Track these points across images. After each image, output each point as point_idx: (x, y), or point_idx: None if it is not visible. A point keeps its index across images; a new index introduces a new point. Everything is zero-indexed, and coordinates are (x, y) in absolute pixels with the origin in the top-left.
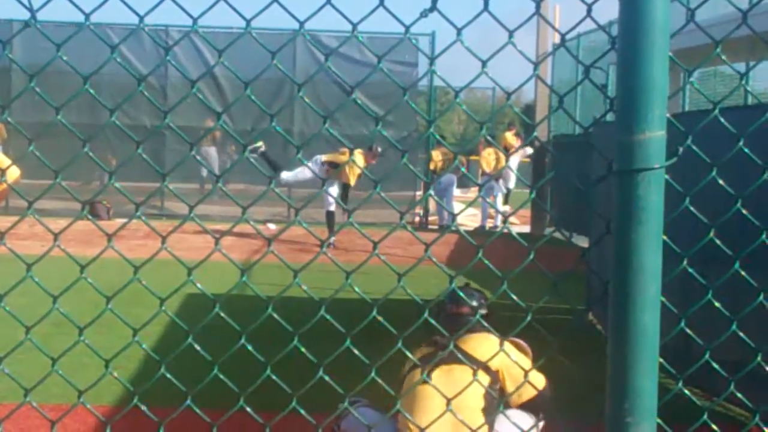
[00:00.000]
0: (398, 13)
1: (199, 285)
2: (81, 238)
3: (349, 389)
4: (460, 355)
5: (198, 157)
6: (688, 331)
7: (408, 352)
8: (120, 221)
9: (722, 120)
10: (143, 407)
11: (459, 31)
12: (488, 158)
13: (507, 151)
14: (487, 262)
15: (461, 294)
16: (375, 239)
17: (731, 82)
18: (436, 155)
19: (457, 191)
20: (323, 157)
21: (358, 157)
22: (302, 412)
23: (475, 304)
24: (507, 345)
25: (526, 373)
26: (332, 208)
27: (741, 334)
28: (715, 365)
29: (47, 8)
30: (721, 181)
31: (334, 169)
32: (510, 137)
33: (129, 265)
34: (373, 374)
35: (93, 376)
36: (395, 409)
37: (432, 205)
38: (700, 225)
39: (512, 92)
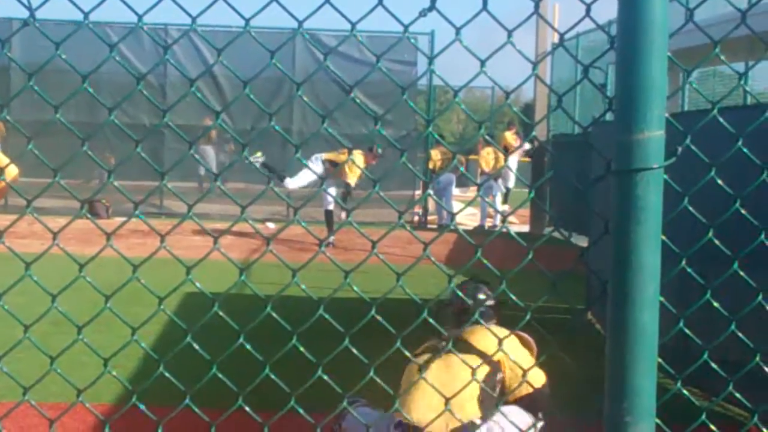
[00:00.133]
0: (397, 13)
1: (197, 284)
2: (80, 237)
3: (347, 389)
4: (463, 346)
5: (197, 156)
6: (687, 331)
7: (407, 351)
8: (119, 220)
9: (721, 120)
10: (142, 406)
11: (458, 30)
12: (487, 157)
13: (506, 150)
14: (486, 261)
15: (472, 287)
16: (374, 238)
17: (730, 81)
18: (435, 154)
19: (456, 190)
20: (323, 155)
21: (358, 157)
22: (301, 411)
23: (482, 297)
24: (512, 338)
25: (525, 372)
26: (331, 207)
27: (740, 334)
28: (713, 365)
29: (46, 7)
30: (720, 181)
31: (334, 168)
32: (509, 137)
33: (128, 263)
34: (371, 374)
35: (92, 375)
36: (394, 408)
37: (431, 205)
38: (698, 225)
39: (511, 92)
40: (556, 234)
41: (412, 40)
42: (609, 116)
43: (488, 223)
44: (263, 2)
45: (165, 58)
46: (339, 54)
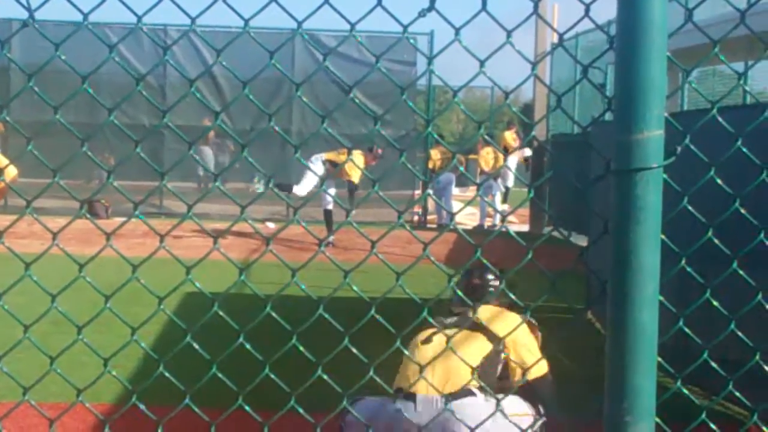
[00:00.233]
0: (396, 13)
1: (197, 284)
2: (80, 237)
3: (347, 388)
4: (471, 324)
5: (196, 157)
6: (687, 330)
7: (406, 351)
8: (119, 220)
9: (720, 120)
10: (142, 406)
11: (457, 30)
12: (487, 157)
13: (506, 150)
14: (485, 261)
15: (481, 268)
16: (374, 238)
17: (730, 81)
18: (435, 154)
19: (455, 190)
20: (324, 156)
21: (359, 157)
22: (300, 411)
23: (490, 277)
24: (521, 322)
25: (526, 370)
26: (330, 206)
27: (739, 333)
28: (713, 364)
29: (46, 7)
30: (719, 181)
31: (335, 168)
32: (509, 137)
33: (127, 263)
34: (371, 373)
35: (92, 375)
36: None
37: (431, 204)
38: (698, 224)
39: (510, 92)
40: (555, 233)
41: (412, 41)
42: (608, 116)
43: (488, 222)
44: (262, 3)
45: (164, 59)
46: (338, 54)
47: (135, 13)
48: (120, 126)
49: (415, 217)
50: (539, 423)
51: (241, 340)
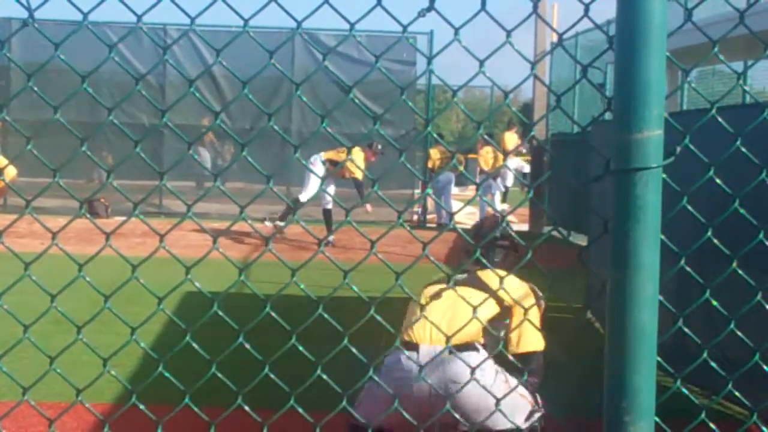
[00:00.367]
0: (396, 12)
1: (197, 283)
2: (80, 236)
3: (347, 387)
4: (478, 284)
5: (196, 157)
6: (686, 329)
7: (406, 352)
8: (118, 219)
9: (720, 119)
10: (141, 406)
11: (457, 30)
12: (486, 157)
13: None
14: (485, 261)
15: (491, 221)
16: (373, 238)
17: (729, 80)
18: (434, 153)
19: (455, 189)
20: (323, 156)
21: (358, 154)
22: (300, 410)
23: (498, 233)
24: (528, 291)
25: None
26: (330, 206)
27: (738, 332)
28: (713, 364)
29: (45, 7)
30: (718, 181)
31: (335, 167)
32: (510, 139)
33: (127, 263)
34: (371, 373)
35: (91, 375)
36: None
37: (430, 204)
38: (697, 224)
39: (510, 91)
40: (555, 233)
41: (411, 40)
42: (608, 116)
43: None
44: (262, 2)
45: (164, 59)
46: (338, 54)
47: (135, 13)
48: (119, 126)
49: (415, 217)
50: (537, 415)
51: (240, 339)
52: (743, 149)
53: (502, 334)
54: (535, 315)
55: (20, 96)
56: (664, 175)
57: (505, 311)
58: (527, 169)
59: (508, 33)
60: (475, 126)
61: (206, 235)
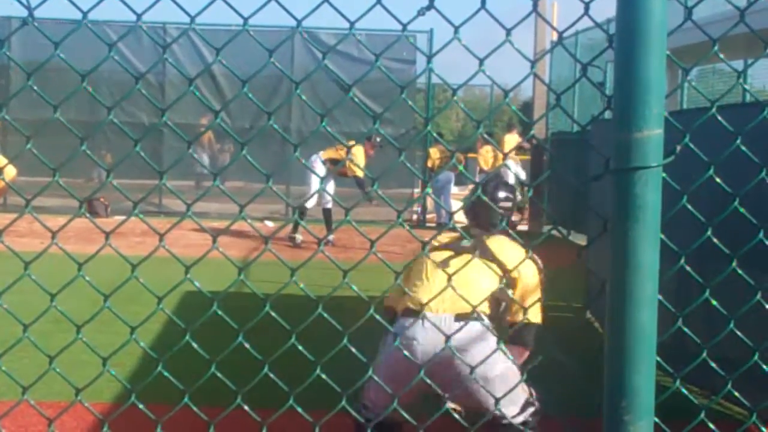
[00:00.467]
0: (396, 11)
1: (196, 283)
2: (80, 235)
3: (346, 387)
4: (484, 252)
5: (195, 156)
6: (685, 329)
7: (406, 352)
8: (118, 218)
9: (720, 118)
10: (141, 405)
11: (456, 29)
12: (486, 156)
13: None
14: (484, 260)
15: (494, 183)
16: (373, 237)
17: (730, 79)
18: (434, 153)
19: (455, 189)
20: (322, 155)
21: (359, 150)
22: (299, 410)
23: (501, 195)
24: (532, 263)
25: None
26: (329, 205)
27: (738, 332)
28: (712, 363)
29: (45, 6)
30: (718, 180)
31: (335, 165)
32: (510, 140)
33: (127, 262)
34: (370, 372)
35: (91, 374)
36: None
37: (430, 203)
38: (697, 223)
39: (510, 90)
40: (554, 232)
41: (411, 39)
42: (608, 114)
43: None
44: (262, 1)
45: (164, 57)
46: (338, 52)
47: (134, 12)
48: (119, 125)
49: (415, 216)
50: (531, 410)
51: (240, 339)
52: (743, 148)
53: (503, 305)
54: (537, 287)
55: (20, 95)
56: (663, 174)
57: (509, 281)
58: (524, 176)
59: (508, 31)
60: (474, 125)
61: (206, 234)
